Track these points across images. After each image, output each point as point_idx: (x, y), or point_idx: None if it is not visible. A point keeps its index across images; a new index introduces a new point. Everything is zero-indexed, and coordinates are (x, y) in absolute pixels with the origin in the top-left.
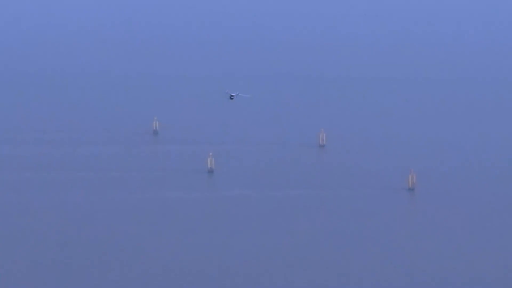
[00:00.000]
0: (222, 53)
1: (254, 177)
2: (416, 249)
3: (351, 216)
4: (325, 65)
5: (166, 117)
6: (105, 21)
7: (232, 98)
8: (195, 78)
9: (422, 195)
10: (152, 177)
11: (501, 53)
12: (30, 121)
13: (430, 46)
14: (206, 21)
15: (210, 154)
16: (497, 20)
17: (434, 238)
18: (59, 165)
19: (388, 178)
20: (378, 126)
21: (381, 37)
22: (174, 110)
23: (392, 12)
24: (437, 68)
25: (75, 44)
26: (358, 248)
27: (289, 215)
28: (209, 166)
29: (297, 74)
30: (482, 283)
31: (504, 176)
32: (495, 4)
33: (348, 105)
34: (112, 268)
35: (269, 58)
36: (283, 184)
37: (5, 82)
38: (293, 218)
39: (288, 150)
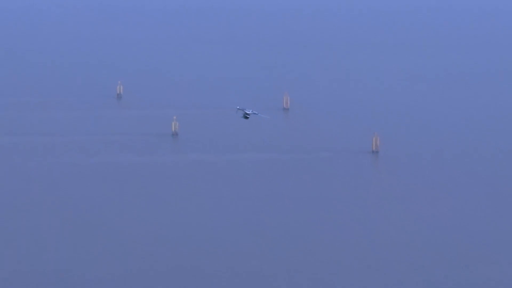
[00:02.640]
0: (186, 18)
1: (217, 141)
2: (378, 211)
3: (314, 179)
4: (291, 30)
5: (130, 82)
6: None
7: (247, 117)
8: (159, 43)
9: (385, 157)
10: (115, 140)
11: (471, 19)
12: None
13: (399, 11)
14: None
15: (174, 117)
16: None
17: (397, 200)
18: (22, 129)
19: (353, 141)
20: (343, 90)
21: (350, 2)
22: (139, 75)
23: None
24: (405, 34)
25: (41, 9)
26: (321, 211)
27: (252, 179)
28: (173, 129)
29: (262, 38)
30: (443, 245)
31: (465, 139)
32: None
33: (313, 69)
34: (73, 232)
35: (235, 23)
36: (247, 147)
37: None
38: (256, 181)
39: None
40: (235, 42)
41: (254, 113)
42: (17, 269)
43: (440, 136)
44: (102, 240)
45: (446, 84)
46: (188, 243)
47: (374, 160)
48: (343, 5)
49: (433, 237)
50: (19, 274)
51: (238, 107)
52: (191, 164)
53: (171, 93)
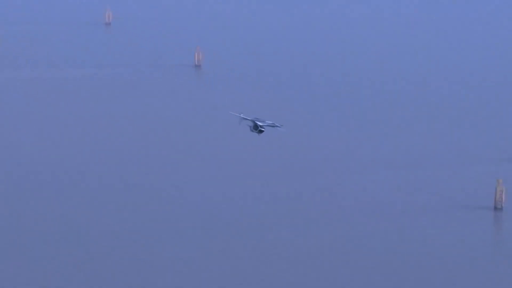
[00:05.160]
0: None
1: None
2: (201, 122)
3: (139, 95)
4: None
5: None
6: None
7: (261, 132)
8: None
9: (208, 71)
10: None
11: None
12: None
13: None
14: None
15: None
16: None
17: (220, 111)
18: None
19: (176, 56)
20: (163, 2)
21: None
22: None
23: None
24: None
25: None
26: (143, 127)
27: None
28: None
29: None
30: (271, 154)
31: (291, 55)
32: None
33: None
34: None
35: None
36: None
37: None
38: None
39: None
40: None
41: (274, 126)
42: None
43: (263, 48)
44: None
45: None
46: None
47: (197, 74)
48: None
49: (254, 151)
50: None
51: (241, 114)
52: None
53: None
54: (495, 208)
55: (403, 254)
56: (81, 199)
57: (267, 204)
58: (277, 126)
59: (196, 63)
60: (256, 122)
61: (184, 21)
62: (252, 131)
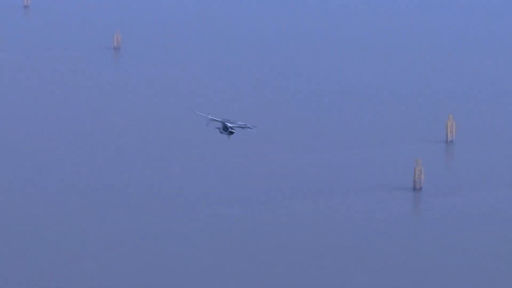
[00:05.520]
0: None
1: None
2: (121, 103)
3: (54, 76)
4: None
5: None
6: None
7: (232, 133)
8: None
9: (126, 54)
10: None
11: None
12: None
13: None
14: None
15: None
16: None
17: (137, 93)
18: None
19: (95, 39)
20: None
21: None
22: None
23: None
24: None
25: None
26: (57, 107)
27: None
28: None
29: None
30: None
31: (207, 32)
32: None
33: None
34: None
35: None
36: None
37: None
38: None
39: None
40: None
41: (241, 127)
42: None
43: (185, 31)
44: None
45: None
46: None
47: (115, 56)
48: None
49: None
50: None
51: (209, 116)
52: None
53: None
54: (414, 188)
55: (324, 234)
56: None
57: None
58: (249, 127)
59: (115, 46)
60: (226, 123)
61: (103, 5)
62: (221, 132)
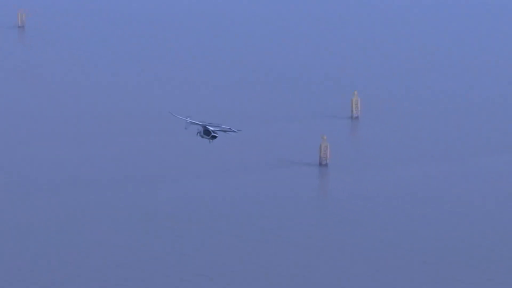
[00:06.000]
0: None
1: None
2: (22, 80)
3: None
4: None
5: None
6: None
7: (214, 137)
8: None
9: (31, 31)
10: None
11: None
12: None
13: None
14: None
15: None
16: None
17: (41, 77)
18: None
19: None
20: None
21: None
22: None
23: None
24: None
25: None
26: None
27: None
28: None
29: None
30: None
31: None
32: None
33: None
34: None
35: None
36: None
37: None
38: None
39: None
40: None
41: (224, 131)
42: None
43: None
44: None
45: None
46: None
47: (20, 34)
48: None
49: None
50: None
51: (188, 119)
52: None
53: None
54: (320, 164)
55: (229, 213)
56: None
57: None
58: (233, 131)
59: (20, 24)
60: (208, 127)
61: None
62: (202, 137)
